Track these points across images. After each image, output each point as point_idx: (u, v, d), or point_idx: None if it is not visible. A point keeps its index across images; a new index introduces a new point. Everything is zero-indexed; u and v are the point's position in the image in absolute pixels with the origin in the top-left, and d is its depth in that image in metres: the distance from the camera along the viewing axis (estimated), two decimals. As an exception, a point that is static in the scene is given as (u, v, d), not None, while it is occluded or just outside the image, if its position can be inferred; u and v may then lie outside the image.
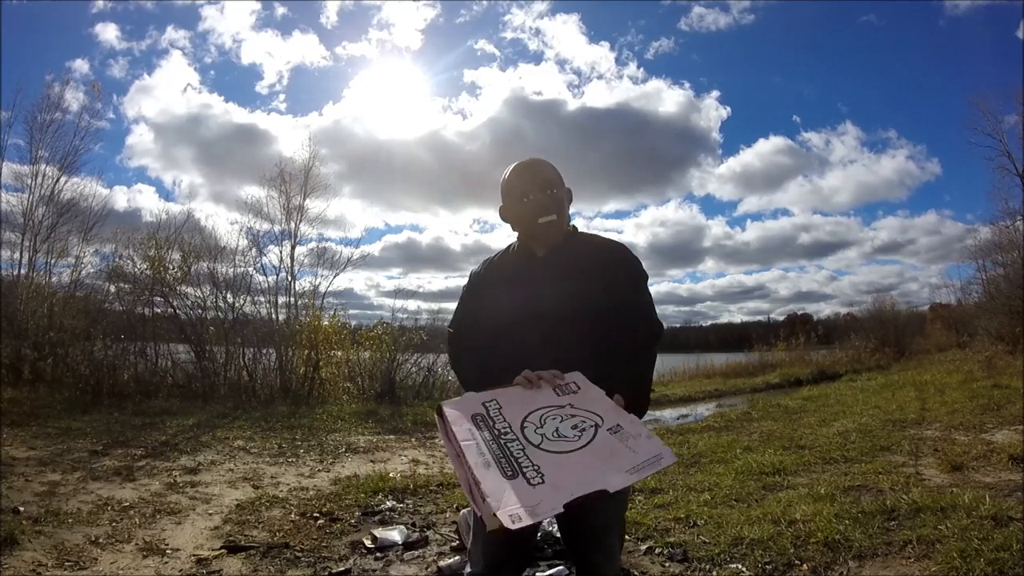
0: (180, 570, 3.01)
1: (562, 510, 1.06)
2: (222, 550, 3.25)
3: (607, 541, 1.62)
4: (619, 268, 1.60)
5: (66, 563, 2.97)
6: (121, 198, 23.41)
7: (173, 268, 10.74)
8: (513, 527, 1.00)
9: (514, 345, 1.57)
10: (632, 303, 1.57)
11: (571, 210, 1.70)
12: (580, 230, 1.70)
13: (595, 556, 1.61)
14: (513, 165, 1.68)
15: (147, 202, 25.55)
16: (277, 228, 12.45)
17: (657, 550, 3.16)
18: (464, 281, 1.77)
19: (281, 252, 12.06)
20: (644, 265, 1.64)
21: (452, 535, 3.50)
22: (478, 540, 1.62)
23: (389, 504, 4.19)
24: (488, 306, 1.65)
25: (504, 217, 1.71)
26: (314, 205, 12.83)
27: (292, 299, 12.08)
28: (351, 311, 21.36)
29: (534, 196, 1.60)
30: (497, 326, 1.62)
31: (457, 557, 3.09)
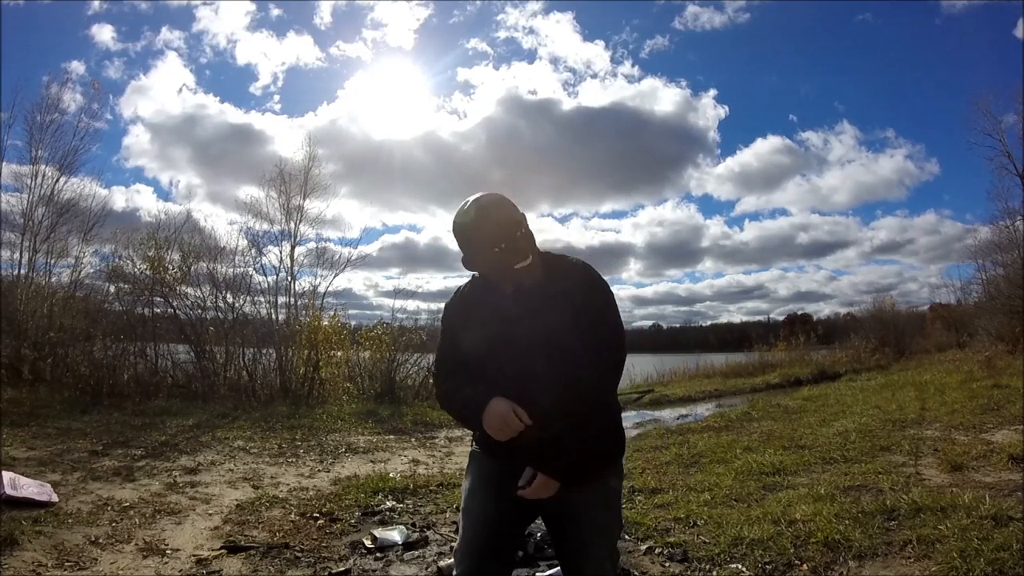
0: (180, 570, 3.01)
1: None
2: (222, 550, 3.26)
3: (597, 551, 1.61)
4: (587, 290, 1.60)
5: (66, 563, 2.97)
6: (119, 198, 23.36)
7: (173, 268, 10.71)
8: None
9: (488, 382, 1.57)
10: (599, 322, 1.57)
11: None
12: (545, 251, 1.66)
13: (583, 566, 1.61)
14: (465, 214, 1.57)
15: (145, 202, 25.51)
16: (276, 228, 12.42)
17: (657, 550, 3.16)
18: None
19: (280, 252, 12.01)
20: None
21: (452, 535, 3.50)
22: (464, 539, 1.62)
23: (389, 504, 4.19)
24: (463, 348, 1.64)
25: (471, 267, 1.61)
26: (313, 205, 12.79)
27: (292, 299, 12.04)
28: (350, 311, 21.35)
29: (507, 244, 1.54)
30: (473, 365, 1.62)
31: (457, 557, 3.09)
